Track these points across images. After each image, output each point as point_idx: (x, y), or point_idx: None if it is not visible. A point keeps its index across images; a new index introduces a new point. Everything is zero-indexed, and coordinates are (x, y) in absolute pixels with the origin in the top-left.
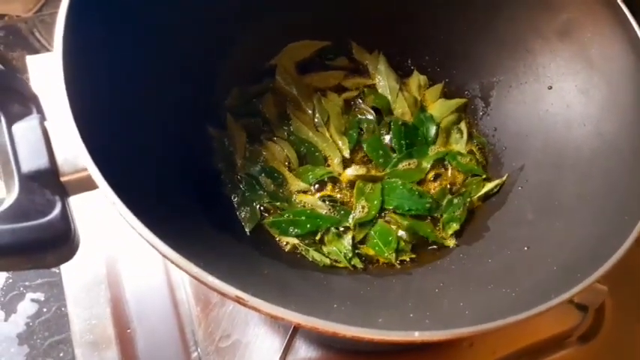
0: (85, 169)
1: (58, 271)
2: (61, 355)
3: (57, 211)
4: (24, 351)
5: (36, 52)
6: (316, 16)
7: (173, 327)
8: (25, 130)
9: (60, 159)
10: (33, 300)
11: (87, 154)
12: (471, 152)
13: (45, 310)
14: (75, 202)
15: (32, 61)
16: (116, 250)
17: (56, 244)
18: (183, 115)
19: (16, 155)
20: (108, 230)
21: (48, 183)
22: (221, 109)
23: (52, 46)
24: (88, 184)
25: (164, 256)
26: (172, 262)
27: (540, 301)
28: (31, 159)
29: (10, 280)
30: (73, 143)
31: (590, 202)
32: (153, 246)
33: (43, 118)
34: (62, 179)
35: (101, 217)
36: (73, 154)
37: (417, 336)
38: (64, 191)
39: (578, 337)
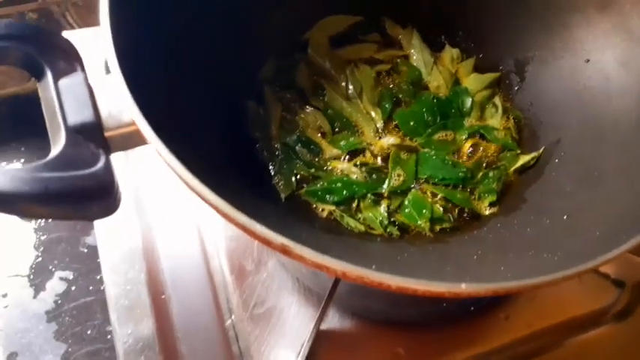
0: (129, 125)
1: (86, 251)
2: (89, 332)
3: (101, 163)
4: (52, 328)
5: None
6: None
7: (207, 294)
8: (71, 85)
9: (104, 114)
10: (62, 278)
11: (136, 108)
12: (506, 127)
13: (74, 288)
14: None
15: (67, 37)
16: (151, 220)
17: (101, 195)
18: (222, 84)
19: (63, 108)
20: (144, 202)
21: (93, 136)
22: (257, 80)
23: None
24: (130, 141)
25: (213, 206)
26: (221, 213)
27: (586, 261)
28: (77, 112)
29: (40, 259)
30: (118, 100)
31: (630, 173)
32: (203, 198)
33: (87, 76)
34: (106, 134)
35: (137, 189)
36: (118, 110)
37: (463, 288)
38: (107, 146)
39: (615, 313)
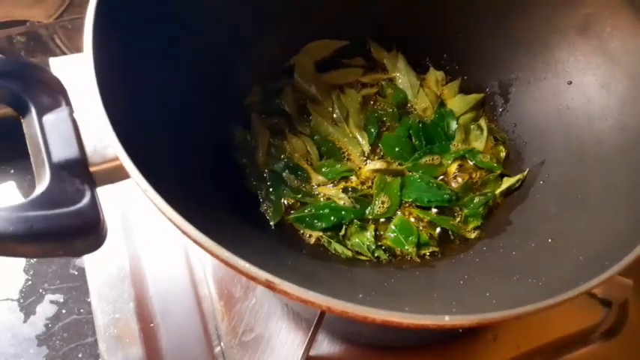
0: (113, 160)
1: (76, 273)
2: (80, 355)
3: (87, 199)
4: (43, 352)
5: (57, 57)
6: (335, 16)
7: (196, 321)
8: (56, 120)
9: (89, 149)
10: (52, 301)
11: (118, 144)
12: (491, 149)
13: (64, 311)
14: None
15: (54, 63)
16: (139, 247)
17: (86, 231)
18: (208, 111)
19: (47, 145)
20: (131, 228)
21: (78, 172)
22: (244, 107)
23: (73, 51)
24: (115, 175)
25: (195, 241)
26: (203, 248)
27: (568, 288)
28: (62, 148)
29: (30, 282)
30: (103, 135)
31: (614, 195)
32: (185, 232)
33: (71, 110)
34: (91, 169)
35: (124, 214)
36: (102, 145)
37: (447, 320)
38: (92, 181)
39: (602, 332)
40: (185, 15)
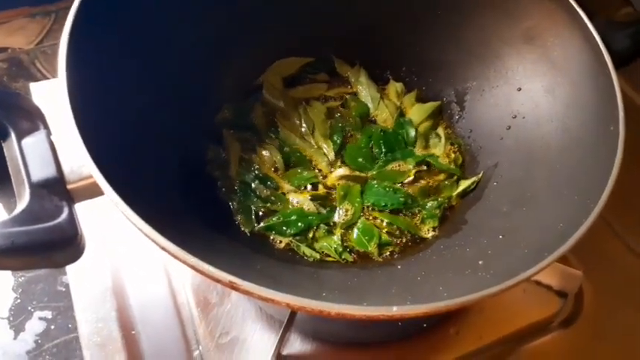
0: (89, 178)
1: (64, 290)
2: None
3: (65, 215)
4: None
5: (38, 81)
6: (300, 36)
7: (175, 327)
8: (34, 143)
9: (66, 169)
10: (41, 318)
11: (92, 163)
12: (449, 154)
13: (53, 327)
14: (81, 216)
15: (35, 88)
16: (120, 260)
17: (65, 244)
18: (180, 127)
19: (26, 165)
20: (112, 243)
21: (56, 190)
22: (215, 123)
23: (53, 75)
24: (91, 192)
25: (163, 249)
26: (171, 254)
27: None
28: (40, 169)
29: (19, 301)
30: (78, 154)
31: (558, 192)
32: (153, 240)
33: (49, 133)
34: (69, 187)
35: (106, 231)
36: (78, 164)
37: (395, 310)
38: (70, 198)
39: (560, 322)
40: (159, 40)
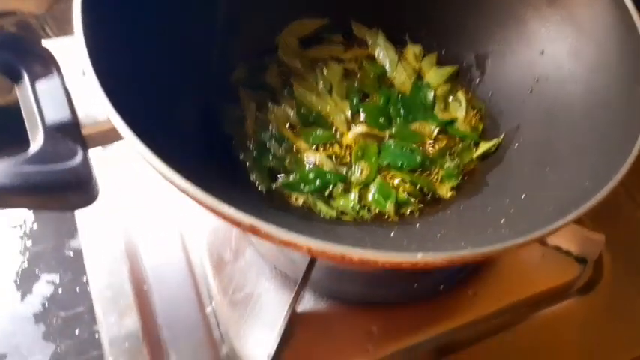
0: (104, 124)
1: (72, 254)
2: (77, 332)
3: (79, 158)
4: (41, 329)
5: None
6: None
7: (188, 283)
8: (49, 87)
9: (81, 114)
10: (48, 281)
11: (110, 106)
12: (470, 119)
13: (61, 290)
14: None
15: (46, 45)
16: (133, 219)
17: (79, 187)
18: (198, 82)
19: (40, 108)
20: (125, 201)
21: (70, 134)
22: (231, 82)
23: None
24: (107, 138)
25: (183, 190)
26: (190, 196)
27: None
28: (55, 112)
29: (26, 264)
30: (94, 101)
31: (581, 153)
32: (172, 182)
33: (63, 80)
34: (83, 132)
35: (119, 188)
36: (94, 109)
37: (419, 257)
38: (84, 143)
39: (578, 288)
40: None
